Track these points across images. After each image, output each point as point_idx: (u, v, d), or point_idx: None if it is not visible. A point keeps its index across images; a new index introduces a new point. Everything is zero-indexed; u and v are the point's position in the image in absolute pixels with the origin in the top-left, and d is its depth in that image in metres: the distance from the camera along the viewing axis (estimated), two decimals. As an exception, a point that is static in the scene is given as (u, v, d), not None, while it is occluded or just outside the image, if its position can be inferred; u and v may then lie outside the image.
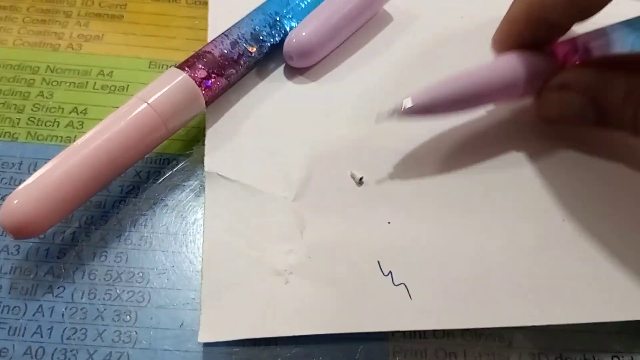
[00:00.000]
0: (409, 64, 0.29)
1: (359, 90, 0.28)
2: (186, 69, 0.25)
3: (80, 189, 0.23)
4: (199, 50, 0.27)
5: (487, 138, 0.27)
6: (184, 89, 0.25)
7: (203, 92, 0.25)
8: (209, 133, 0.26)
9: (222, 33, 0.27)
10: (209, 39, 0.29)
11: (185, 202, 0.25)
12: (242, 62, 0.27)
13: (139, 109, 0.24)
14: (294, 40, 0.28)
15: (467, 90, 0.24)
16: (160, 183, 0.25)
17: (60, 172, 0.22)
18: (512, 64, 0.25)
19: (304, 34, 0.28)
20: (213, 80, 0.26)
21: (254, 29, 0.28)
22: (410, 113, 0.23)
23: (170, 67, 0.26)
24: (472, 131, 0.27)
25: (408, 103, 0.23)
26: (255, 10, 0.29)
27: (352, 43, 0.30)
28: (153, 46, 0.30)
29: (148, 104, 0.24)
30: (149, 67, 0.29)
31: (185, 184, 0.26)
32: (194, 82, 0.25)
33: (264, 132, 0.26)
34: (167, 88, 0.24)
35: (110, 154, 0.23)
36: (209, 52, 0.26)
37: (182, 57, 0.28)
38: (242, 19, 0.28)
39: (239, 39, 0.27)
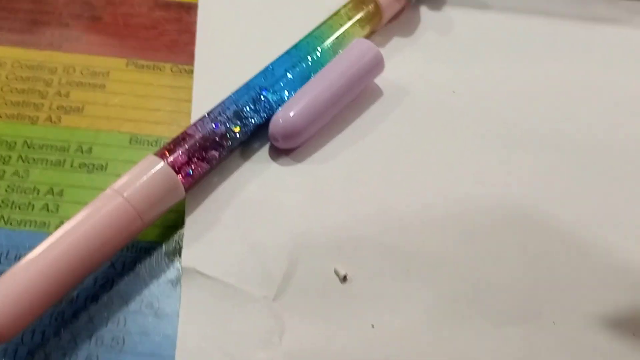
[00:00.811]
0: (400, 143, 0.28)
1: (347, 171, 0.27)
2: (165, 155, 0.24)
3: (51, 290, 0.21)
4: (180, 133, 0.26)
5: (480, 235, 0.26)
6: (162, 180, 0.24)
7: (183, 180, 0.24)
8: (189, 222, 0.25)
9: (205, 113, 0.26)
10: (193, 115, 0.28)
11: (162, 297, 0.24)
12: (225, 144, 0.26)
13: (114, 203, 0.23)
14: (280, 122, 0.27)
15: None
16: (135, 274, 0.24)
17: (29, 274, 0.21)
18: None
19: (290, 114, 0.27)
20: (194, 166, 0.25)
21: (238, 107, 0.27)
22: None
23: (153, 141, 0.25)
24: (465, 226, 0.26)
25: None
26: (240, 88, 0.28)
27: (341, 119, 0.29)
28: (135, 119, 0.28)
29: (123, 197, 0.23)
30: (130, 143, 0.28)
31: (163, 275, 0.24)
32: (172, 171, 0.24)
33: (245, 220, 0.25)
34: (144, 179, 0.23)
35: (83, 252, 0.22)
36: (191, 135, 0.25)
37: (164, 132, 0.27)
38: (226, 98, 0.27)
39: (223, 119, 0.26)
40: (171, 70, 0.31)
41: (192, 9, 0.33)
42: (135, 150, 0.28)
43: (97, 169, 0.27)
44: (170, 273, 0.24)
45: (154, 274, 0.24)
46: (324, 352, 0.22)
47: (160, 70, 0.30)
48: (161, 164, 0.24)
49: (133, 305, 0.24)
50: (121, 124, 0.28)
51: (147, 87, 0.30)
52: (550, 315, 0.24)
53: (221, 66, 0.30)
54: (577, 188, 0.28)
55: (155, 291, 0.24)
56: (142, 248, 0.25)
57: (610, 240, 0.26)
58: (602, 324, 0.24)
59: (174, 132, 0.27)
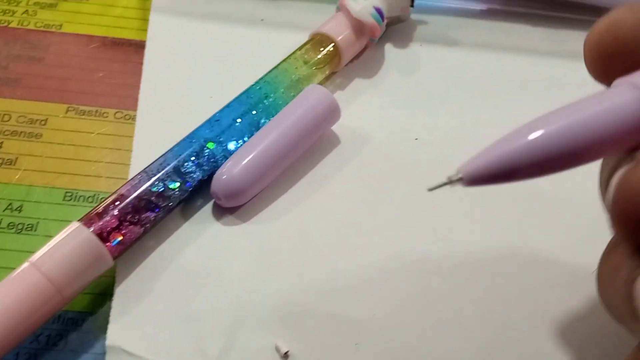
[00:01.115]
0: (355, 197, 0.27)
1: (296, 231, 0.25)
2: (92, 222, 0.22)
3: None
4: (112, 194, 0.24)
5: (439, 300, 0.24)
6: (86, 250, 0.22)
7: (112, 248, 0.22)
8: (118, 292, 0.23)
9: (143, 169, 0.24)
10: (131, 168, 0.26)
11: (87, 374, 0.22)
12: (163, 204, 0.24)
13: (31, 279, 0.21)
14: (223, 179, 0.25)
15: (548, 148, 0.16)
16: (59, 349, 0.22)
17: None
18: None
19: (234, 170, 0.25)
20: (125, 231, 0.23)
21: (179, 162, 0.25)
22: (466, 185, 0.16)
23: (89, 197, 0.24)
24: (423, 291, 0.24)
25: (455, 176, 0.16)
26: (183, 139, 0.26)
27: (294, 171, 0.27)
28: (72, 172, 0.27)
29: (41, 272, 0.21)
30: (64, 200, 0.26)
31: (90, 351, 0.22)
32: (98, 240, 0.22)
33: (181, 289, 0.23)
34: (65, 251, 0.22)
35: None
36: (124, 196, 0.24)
37: (102, 186, 0.26)
38: (167, 151, 0.25)
39: (162, 176, 0.24)
40: (115, 117, 0.29)
41: (141, 48, 0.31)
42: (70, 208, 0.26)
43: (26, 230, 0.25)
44: (97, 348, 0.23)
45: (79, 349, 0.23)
46: None
47: (103, 116, 0.29)
48: (85, 232, 0.22)
49: (56, 386, 0.22)
50: (56, 178, 0.27)
51: (88, 136, 0.28)
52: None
53: (166, 112, 0.28)
54: (547, 245, 0.26)
55: (81, 368, 0.22)
56: (68, 320, 0.23)
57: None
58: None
59: (112, 186, 0.25)
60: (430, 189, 0.17)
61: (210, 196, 0.25)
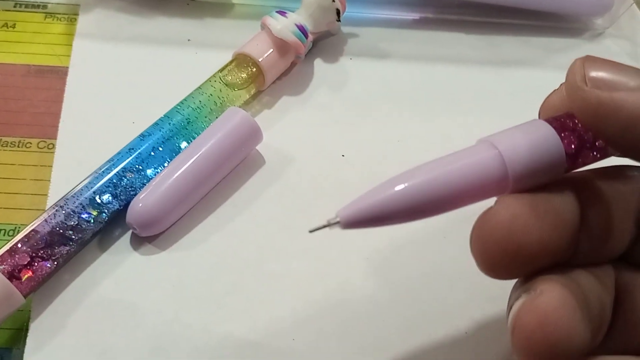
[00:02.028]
0: (279, 221, 0.27)
1: (217, 257, 0.25)
2: (2, 260, 0.22)
3: None
4: (26, 229, 0.24)
5: (357, 328, 0.24)
6: (-7, 291, 0.22)
7: (22, 284, 0.22)
8: (33, 328, 0.23)
9: (56, 203, 0.24)
10: (49, 199, 0.26)
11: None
12: (76, 237, 0.24)
13: None
14: (138, 208, 0.25)
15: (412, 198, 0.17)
16: (-25, 390, 0.22)
17: None
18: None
19: (149, 200, 0.25)
20: (37, 266, 0.23)
21: (95, 193, 0.25)
22: (343, 227, 0.17)
23: (10, 231, 0.24)
24: (343, 318, 0.24)
25: (334, 220, 0.17)
26: (100, 168, 0.26)
27: (216, 194, 0.27)
28: (-7, 206, 0.26)
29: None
30: (-17, 235, 0.26)
31: (6, 389, 0.22)
32: (5, 279, 0.22)
33: (96, 324, 0.23)
34: (-30, 292, 0.21)
35: None
36: (36, 231, 0.23)
37: (23, 219, 0.26)
38: (82, 181, 0.25)
39: (76, 207, 0.24)
40: (38, 147, 0.29)
41: (65, 74, 0.31)
42: (-11, 243, 0.26)
43: (-56, 267, 0.25)
44: (15, 387, 0.22)
45: (-4, 390, 0.22)
46: None
47: (27, 147, 0.28)
48: (-9, 272, 0.22)
49: None
50: (-23, 213, 0.26)
51: (10, 168, 0.28)
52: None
53: (87, 140, 0.28)
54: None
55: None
56: (-16, 359, 0.23)
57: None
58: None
59: (32, 218, 0.25)
60: (311, 231, 0.17)
61: (128, 226, 0.25)
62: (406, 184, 0.17)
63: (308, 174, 0.28)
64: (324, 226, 0.17)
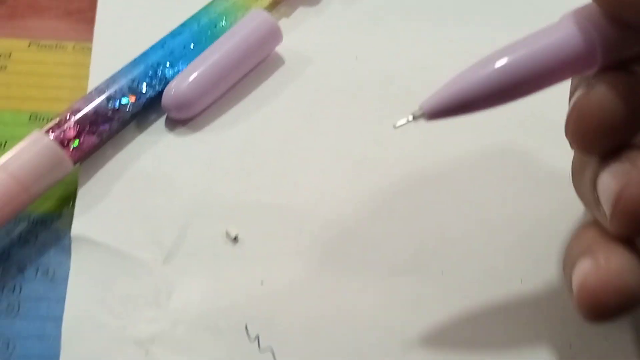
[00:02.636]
0: (300, 111, 0.29)
1: (243, 141, 0.28)
2: (52, 130, 0.25)
3: None
4: (71, 106, 0.26)
5: (374, 192, 0.27)
6: (47, 154, 0.24)
7: (70, 154, 0.25)
8: (81, 193, 0.25)
9: (97, 87, 0.27)
10: (89, 90, 0.28)
11: (56, 265, 0.24)
12: (117, 117, 0.26)
13: (-2, 178, 0.23)
14: (172, 93, 0.27)
15: (497, 81, 0.17)
16: (31, 245, 0.25)
17: None
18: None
19: (183, 85, 0.27)
20: (82, 139, 0.25)
21: (132, 81, 0.27)
22: (428, 119, 0.18)
23: (52, 119, 0.25)
24: (359, 187, 0.27)
25: (418, 112, 0.18)
26: (135, 59, 0.28)
27: (241, 88, 0.29)
28: (36, 97, 0.29)
29: (7, 172, 0.23)
30: (29, 121, 0.28)
31: (58, 245, 0.25)
32: (58, 145, 0.24)
33: (138, 191, 0.26)
34: (28, 155, 0.24)
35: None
36: (79, 110, 0.26)
37: (63, 108, 0.28)
38: (120, 70, 0.27)
39: (115, 92, 0.27)
40: (73, 49, 0.31)
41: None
42: (34, 128, 0.28)
43: (-5, 148, 0.27)
44: (65, 241, 0.25)
45: (49, 243, 0.25)
46: (213, 309, 0.23)
47: (63, 49, 0.31)
48: (45, 139, 0.24)
49: (28, 274, 0.24)
50: (21, 103, 0.29)
51: (49, 66, 0.30)
52: (438, 265, 0.25)
53: (120, 40, 0.30)
54: (471, 156, 0.28)
55: (50, 259, 0.25)
56: (37, 220, 0.26)
57: (498, 195, 0.27)
58: (491, 273, 0.25)
59: (73, 108, 0.27)
60: (397, 127, 0.18)
61: (162, 111, 0.28)
62: (493, 67, 0.17)
63: (324, 73, 0.30)
64: (409, 121, 0.18)
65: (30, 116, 0.28)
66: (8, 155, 0.24)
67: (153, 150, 0.27)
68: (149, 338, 0.22)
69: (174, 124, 0.28)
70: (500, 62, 0.17)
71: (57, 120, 0.25)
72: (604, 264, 0.18)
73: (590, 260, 0.18)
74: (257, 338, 0.22)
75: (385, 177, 0.27)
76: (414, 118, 0.18)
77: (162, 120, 0.28)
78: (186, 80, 0.27)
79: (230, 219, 0.25)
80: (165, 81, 0.28)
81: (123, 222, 0.25)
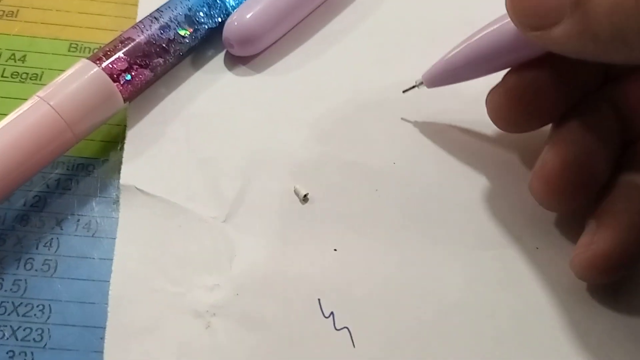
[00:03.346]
0: (371, 54, 0.25)
1: (311, 84, 0.24)
2: (101, 60, 0.21)
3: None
4: (120, 35, 0.22)
5: (459, 151, 0.23)
6: (96, 87, 0.21)
7: (122, 87, 0.22)
8: (130, 135, 0.22)
9: (151, 14, 0.23)
10: (138, 19, 0.25)
11: (100, 219, 0.21)
12: (172, 49, 0.23)
13: (39, 111, 0.20)
14: (236, 24, 0.24)
15: (479, 56, 0.20)
16: (71, 194, 0.22)
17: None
18: None
19: (247, 17, 0.24)
20: (135, 72, 0.22)
21: (190, 10, 0.24)
22: (429, 87, 0.22)
23: (94, 49, 0.22)
24: (442, 144, 0.23)
25: (419, 81, 0.22)
26: (192, -14, 0.24)
27: (306, 27, 0.26)
28: (76, 25, 0.25)
29: (50, 105, 0.20)
30: (69, 51, 0.25)
31: (101, 195, 0.22)
32: (108, 77, 0.21)
33: (194, 134, 0.22)
34: (74, 85, 0.21)
35: (6, 164, 0.19)
36: (132, 39, 0.22)
37: (107, 38, 0.24)
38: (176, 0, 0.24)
39: (171, 21, 0.23)
40: (120, -25, 0.27)
41: None
42: (75, 59, 0.24)
43: (31, 79, 0.24)
44: (110, 192, 0.22)
45: (92, 193, 0.22)
46: (280, 277, 0.20)
47: (107, -25, 0.27)
48: (95, 68, 0.21)
49: (67, 227, 0.21)
50: (60, 31, 0.25)
51: (91, -9, 0.27)
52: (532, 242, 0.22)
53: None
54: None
55: (93, 212, 0.22)
56: (78, 165, 0.22)
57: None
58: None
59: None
60: (404, 91, 0.23)
61: (222, 47, 0.24)
62: (467, 42, 0.20)
63: (400, 12, 0.27)
64: (413, 87, 0.23)
65: (70, 46, 0.25)
66: (52, 85, 0.20)
67: (211, 90, 0.24)
68: (210, 308, 0.19)
69: (234, 61, 0.24)
70: (468, 41, 0.20)
71: (105, 49, 0.22)
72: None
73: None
74: (332, 315, 0.19)
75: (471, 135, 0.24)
76: (417, 85, 0.22)
77: (220, 57, 0.25)
78: (251, 11, 0.24)
79: (298, 174, 0.22)
80: (226, 11, 0.24)
81: (179, 170, 0.22)
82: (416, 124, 0.24)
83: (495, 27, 0.20)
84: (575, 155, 0.19)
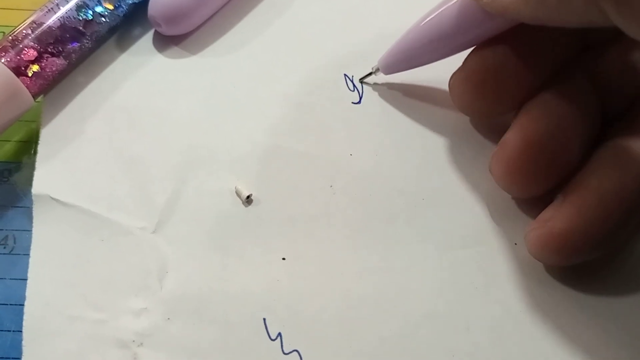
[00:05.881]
0: (322, 26, 0.23)
1: (255, 66, 0.22)
2: (5, 51, 0.18)
3: None
4: (26, 20, 0.19)
5: (424, 138, 0.21)
6: (-2, 84, 0.18)
7: (30, 82, 0.19)
8: (44, 134, 0.19)
9: (63, -8, 0.20)
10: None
11: (18, 233, 0.19)
12: (90, 32, 0.20)
13: None
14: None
15: (428, 40, 0.19)
16: (-20, 205, 0.19)
17: None
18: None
19: (175, -10, 0.20)
20: (46, 62, 0.19)
21: (109, -17, 0.20)
22: (386, 74, 0.20)
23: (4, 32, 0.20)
24: (405, 127, 0.21)
25: (375, 67, 0.21)
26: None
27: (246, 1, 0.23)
28: (-16, 5, 0.22)
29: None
30: (-25, 37, 0.22)
31: (15, 205, 0.19)
32: (11, 73, 0.18)
33: (118, 130, 0.20)
34: (-32, 84, 0.17)
35: None
36: (40, 23, 0.19)
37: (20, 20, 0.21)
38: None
39: (88, 0, 0.20)
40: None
41: None
42: (-18, 46, 0.21)
43: None
44: (26, 202, 0.19)
45: (7, 203, 0.19)
46: (219, 296, 0.18)
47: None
48: (-4, 63, 0.18)
49: (-23, 244, 0.19)
50: (-35, 12, 0.22)
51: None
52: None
53: None
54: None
55: (10, 224, 0.19)
56: (-13, 171, 0.20)
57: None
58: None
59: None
60: (361, 79, 0.21)
61: (149, 25, 0.21)
62: (422, 22, 0.19)
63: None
64: (370, 74, 0.21)
65: (-23, 30, 0.22)
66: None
67: (139, 76, 0.21)
68: (137, 337, 0.17)
69: (164, 42, 0.21)
70: (422, 20, 0.19)
71: (9, 38, 0.19)
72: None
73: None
74: (280, 337, 0.17)
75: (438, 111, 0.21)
76: (374, 72, 0.21)
77: (148, 36, 0.22)
78: (180, -17, 0.21)
79: (240, 172, 0.19)
80: (153, -16, 0.21)
81: (99, 175, 0.19)
82: (375, 86, 0.21)
83: (450, 3, 0.18)
84: (540, 133, 0.17)
